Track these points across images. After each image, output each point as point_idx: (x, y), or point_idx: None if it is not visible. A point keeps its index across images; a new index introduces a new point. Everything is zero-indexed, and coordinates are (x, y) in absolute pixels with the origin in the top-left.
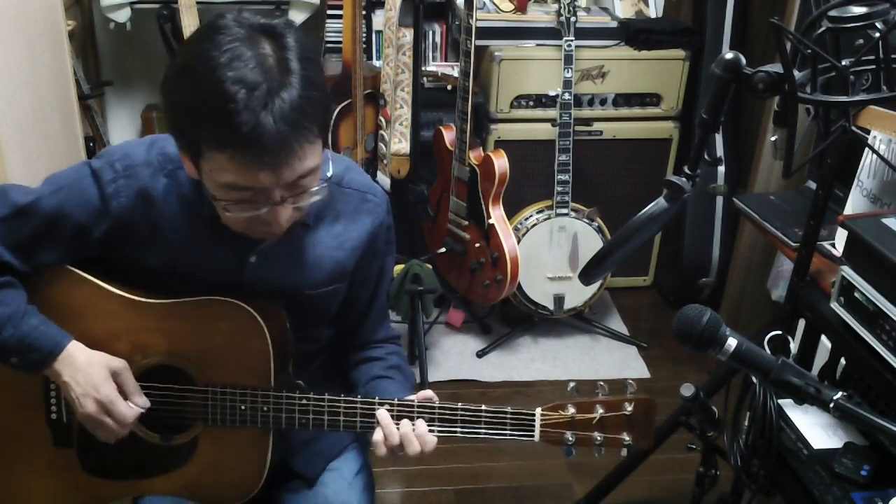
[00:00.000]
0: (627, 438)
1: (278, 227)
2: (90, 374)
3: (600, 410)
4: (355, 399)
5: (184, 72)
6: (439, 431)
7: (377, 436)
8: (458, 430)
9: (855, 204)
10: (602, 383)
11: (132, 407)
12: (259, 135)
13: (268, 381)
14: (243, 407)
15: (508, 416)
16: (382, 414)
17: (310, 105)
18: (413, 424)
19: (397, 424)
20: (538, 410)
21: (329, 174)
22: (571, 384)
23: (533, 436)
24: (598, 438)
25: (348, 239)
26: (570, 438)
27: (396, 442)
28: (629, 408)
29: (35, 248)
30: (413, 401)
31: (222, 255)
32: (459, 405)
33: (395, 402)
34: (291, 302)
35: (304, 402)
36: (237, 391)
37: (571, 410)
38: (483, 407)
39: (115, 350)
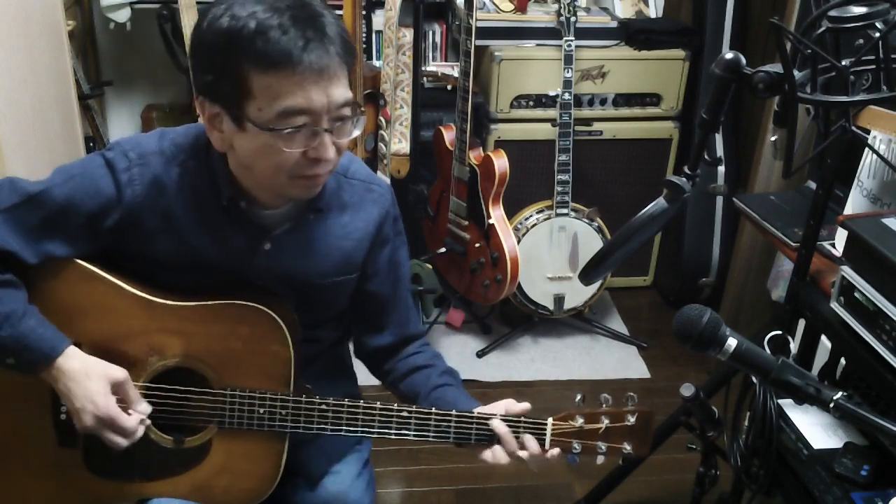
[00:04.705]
0: (628, 447)
1: (325, 164)
2: (87, 386)
3: (606, 421)
4: (374, 405)
5: (215, 20)
6: (455, 438)
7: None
8: (473, 435)
9: (855, 204)
10: (606, 395)
11: (134, 416)
12: (312, 48)
13: (287, 385)
14: (261, 411)
15: (521, 424)
16: (497, 424)
17: (342, 34)
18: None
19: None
20: (549, 420)
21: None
22: (578, 396)
23: (543, 444)
24: (602, 447)
25: (355, 229)
26: (577, 447)
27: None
28: (632, 419)
29: (44, 237)
30: (451, 413)
31: (236, 242)
32: (476, 412)
33: (413, 410)
34: (299, 294)
35: (324, 407)
36: (255, 395)
37: (580, 421)
38: (498, 414)
39: (129, 350)
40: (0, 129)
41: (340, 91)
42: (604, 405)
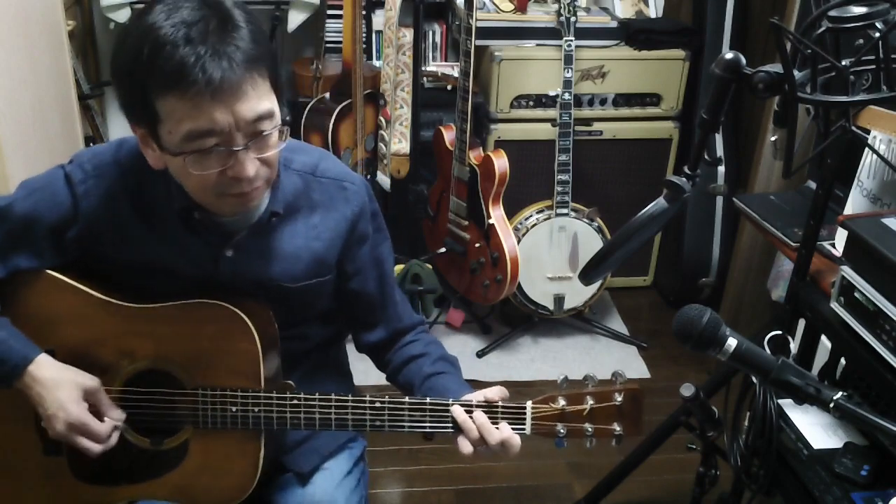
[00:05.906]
0: (618, 428)
1: (248, 182)
2: (58, 393)
3: (590, 401)
4: (346, 398)
5: (124, 39)
6: (430, 428)
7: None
8: (450, 425)
9: (855, 204)
10: (591, 374)
11: (107, 423)
12: (204, 66)
13: (258, 382)
14: (234, 409)
15: (500, 409)
16: (457, 410)
17: (253, 39)
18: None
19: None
20: (529, 403)
21: (286, 120)
22: (562, 376)
23: (524, 429)
24: (589, 430)
25: (326, 230)
26: (562, 431)
27: (477, 435)
28: (619, 398)
29: (10, 251)
30: (426, 401)
31: (197, 250)
32: (451, 400)
33: (386, 400)
34: (273, 298)
35: (295, 402)
36: (227, 393)
37: (562, 403)
38: (474, 401)
39: (102, 355)
40: (0, 129)
41: (250, 105)
42: (589, 385)
